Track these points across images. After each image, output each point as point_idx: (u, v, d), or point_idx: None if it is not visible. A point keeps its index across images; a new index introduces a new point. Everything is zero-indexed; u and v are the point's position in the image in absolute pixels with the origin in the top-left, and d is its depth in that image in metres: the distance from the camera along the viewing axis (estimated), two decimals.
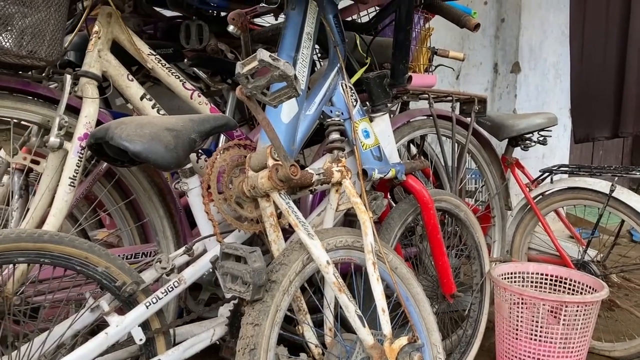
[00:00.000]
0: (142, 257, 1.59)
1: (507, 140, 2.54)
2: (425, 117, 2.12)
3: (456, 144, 2.17)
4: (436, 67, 2.62)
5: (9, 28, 1.24)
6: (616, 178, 2.10)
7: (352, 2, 1.82)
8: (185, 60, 2.04)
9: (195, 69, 2.21)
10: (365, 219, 1.41)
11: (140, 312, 1.23)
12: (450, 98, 2.15)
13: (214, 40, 2.17)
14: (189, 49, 2.13)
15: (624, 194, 2.08)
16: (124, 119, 1.24)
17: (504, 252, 2.45)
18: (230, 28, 2.04)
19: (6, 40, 1.24)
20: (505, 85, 4.25)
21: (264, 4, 1.90)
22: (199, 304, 1.77)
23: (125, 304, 1.25)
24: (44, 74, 1.41)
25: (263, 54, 1.12)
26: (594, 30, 3.16)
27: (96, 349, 1.17)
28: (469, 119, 2.23)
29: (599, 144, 5.27)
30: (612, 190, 2.10)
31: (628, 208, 2.07)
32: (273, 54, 1.14)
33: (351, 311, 1.30)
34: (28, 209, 1.43)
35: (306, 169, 1.41)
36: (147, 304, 1.24)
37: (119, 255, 1.55)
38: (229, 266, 1.24)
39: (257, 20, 2.45)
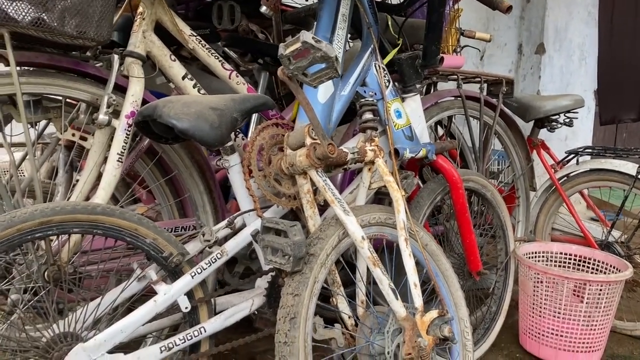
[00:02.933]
0: (182, 230, 1.66)
1: (533, 121, 2.55)
2: (453, 98, 2.15)
3: (483, 125, 2.20)
4: (462, 47, 2.64)
5: (49, 7, 1.29)
6: None
7: None
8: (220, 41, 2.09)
9: (226, 48, 2.26)
10: (398, 197, 1.46)
11: (186, 282, 1.30)
12: (479, 79, 2.18)
13: (245, 20, 2.22)
14: (221, 29, 2.18)
15: None
16: (170, 98, 1.30)
17: (528, 232, 2.48)
18: (263, 9, 2.07)
19: (48, 19, 1.29)
20: (530, 67, 4.23)
21: None
22: (234, 276, 1.84)
23: (171, 274, 1.32)
24: (90, 54, 1.47)
25: (306, 35, 1.16)
26: (623, 12, 3.14)
27: (146, 315, 1.24)
28: (496, 100, 2.26)
29: (623, 127, 5.23)
30: (638, 172, 2.12)
31: None
32: (315, 36, 1.18)
33: (385, 284, 1.36)
34: (74, 184, 1.50)
35: (340, 147, 1.45)
36: (193, 274, 1.30)
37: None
38: (269, 239, 1.29)
39: (286, 1, 2.48)
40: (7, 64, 1.23)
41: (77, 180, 1.49)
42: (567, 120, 2.41)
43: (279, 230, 1.29)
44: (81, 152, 1.70)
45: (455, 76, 2.09)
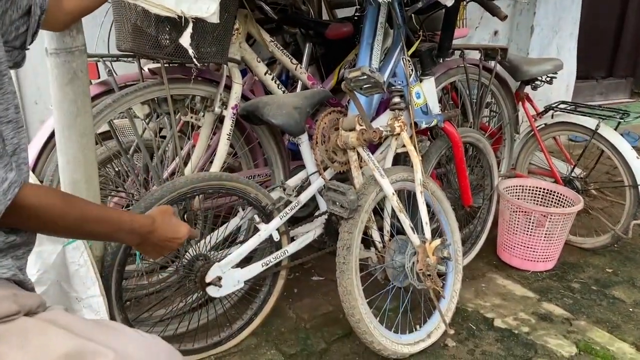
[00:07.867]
0: (257, 177, 2.30)
1: None
2: (457, 66, 2.70)
3: (481, 85, 2.77)
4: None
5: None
6: (600, 120, 2.73)
7: None
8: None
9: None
10: (417, 161, 2.09)
11: (277, 222, 1.96)
12: (479, 50, 2.73)
13: None
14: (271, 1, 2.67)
15: (606, 131, 2.73)
16: (267, 100, 1.89)
17: (510, 167, 3.14)
18: None
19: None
20: (527, 2, 4.66)
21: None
22: None
23: (266, 217, 1.97)
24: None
25: (365, 69, 1.74)
26: None
27: (254, 244, 1.92)
28: (492, 63, 2.81)
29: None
30: (597, 128, 2.74)
31: (608, 142, 2.73)
32: (372, 68, 1.76)
33: (407, 224, 2.03)
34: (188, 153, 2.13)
35: (377, 127, 2.05)
36: (281, 217, 1.97)
37: (243, 177, 2.27)
38: (331, 195, 1.95)
39: None
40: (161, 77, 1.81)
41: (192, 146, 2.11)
42: (548, 79, 2.98)
43: (337, 190, 1.94)
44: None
45: (461, 51, 2.64)
